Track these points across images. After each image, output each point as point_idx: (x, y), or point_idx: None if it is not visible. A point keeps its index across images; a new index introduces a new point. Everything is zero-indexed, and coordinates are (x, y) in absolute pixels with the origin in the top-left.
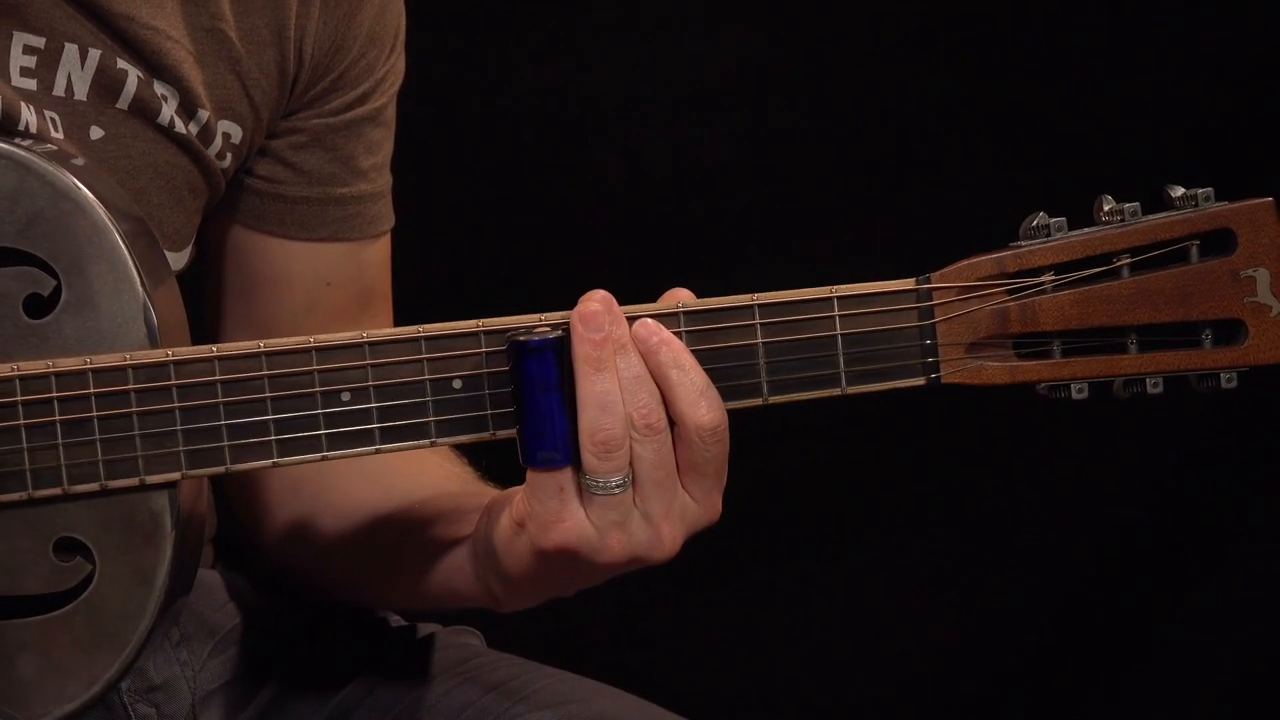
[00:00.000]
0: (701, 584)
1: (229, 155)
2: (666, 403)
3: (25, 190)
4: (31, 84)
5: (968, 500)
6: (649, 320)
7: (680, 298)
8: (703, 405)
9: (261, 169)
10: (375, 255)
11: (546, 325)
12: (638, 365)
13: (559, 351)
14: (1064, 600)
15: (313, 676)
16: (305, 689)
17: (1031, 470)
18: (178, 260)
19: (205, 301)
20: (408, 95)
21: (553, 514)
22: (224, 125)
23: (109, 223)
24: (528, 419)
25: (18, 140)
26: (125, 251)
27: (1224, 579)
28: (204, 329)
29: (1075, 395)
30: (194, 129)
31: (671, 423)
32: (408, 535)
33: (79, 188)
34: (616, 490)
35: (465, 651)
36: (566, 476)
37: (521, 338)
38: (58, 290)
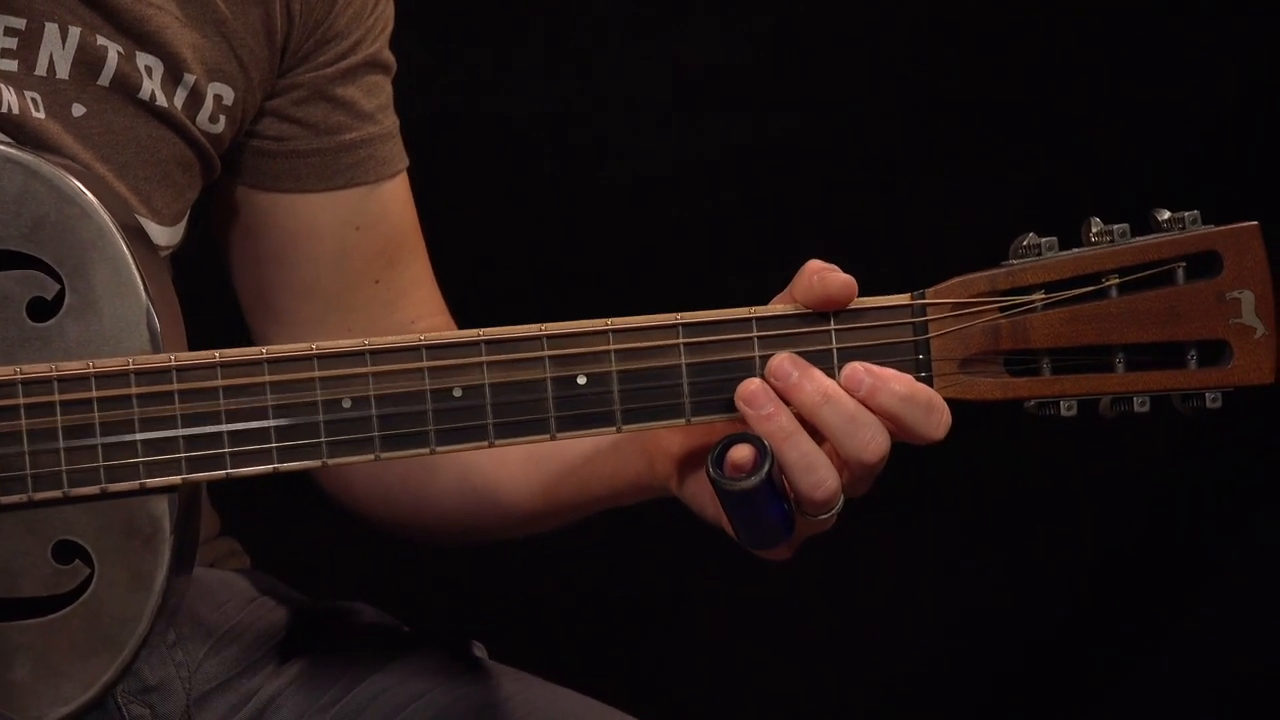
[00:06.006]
0: (702, 592)
1: (222, 118)
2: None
3: (31, 194)
4: (13, 65)
5: (967, 501)
6: (857, 365)
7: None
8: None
9: (269, 129)
10: (396, 196)
11: (748, 446)
12: (849, 403)
13: (768, 479)
14: (1064, 600)
15: (309, 679)
16: (301, 691)
17: (1032, 470)
18: (172, 235)
19: (242, 282)
20: (404, 97)
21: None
22: (214, 88)
23: (113, 227)
24: (745, 534)
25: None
26: (129, 256)
27: (1225, 578)
28: (237, 315)
29: (1064, 413)
30: (181, 96)
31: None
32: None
33: (84, 192)
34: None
35: (466, 663)
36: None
37: (730, 486)
38: (61, 294)
